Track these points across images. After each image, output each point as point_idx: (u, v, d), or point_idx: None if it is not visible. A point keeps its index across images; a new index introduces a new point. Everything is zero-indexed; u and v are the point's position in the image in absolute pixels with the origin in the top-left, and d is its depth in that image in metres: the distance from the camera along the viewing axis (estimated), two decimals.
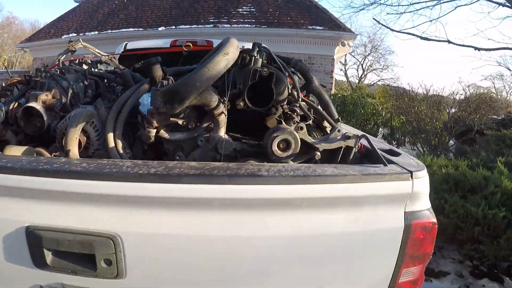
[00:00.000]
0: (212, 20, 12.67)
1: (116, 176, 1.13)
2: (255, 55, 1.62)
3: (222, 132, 1.50)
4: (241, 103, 1.49)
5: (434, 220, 1.28)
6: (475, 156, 5.13)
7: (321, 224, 1.19)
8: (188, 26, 12.57)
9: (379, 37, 28.09)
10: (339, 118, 1.77)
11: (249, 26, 12.16)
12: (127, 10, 14.25)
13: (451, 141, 8.28)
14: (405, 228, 1.22)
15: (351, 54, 24.42)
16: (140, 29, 12.95)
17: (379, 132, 10.48)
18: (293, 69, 1.82)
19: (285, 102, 1.58)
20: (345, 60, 24.85)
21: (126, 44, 3.73)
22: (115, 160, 1.35)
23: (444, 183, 3.79)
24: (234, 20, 12.49)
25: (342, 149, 1.50)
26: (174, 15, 13.36)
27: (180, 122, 1.52)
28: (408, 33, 6.55)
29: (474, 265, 3.43)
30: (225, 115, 1.49)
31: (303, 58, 11.82)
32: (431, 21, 6.47)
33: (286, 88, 1.55)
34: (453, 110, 8.35)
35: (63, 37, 13.69)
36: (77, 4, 16.05)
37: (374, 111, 9.85)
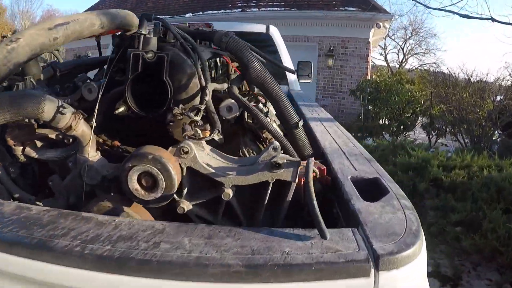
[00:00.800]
0: (239, 5, 12.30)
1: None
2: (144, 32, 1.10)
3: (87, 153, 1.03)
4: (122, 107, 1.02)
5: None
6: None
7: None
8: (216, 11, 12.27)
9: (420, 19, 26.25)
10: (299, 123, 1.20)
11: (278, 9, 11.66)
12: None
13: (496, 133, 7.35)
14: None
15: (391, 38, 23.02)
16: (168, 16, 12.71)
17: (418, 122, 9.64)
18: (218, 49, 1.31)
19: (195, 102, 1.08)
20: (385, 44, 23.46)
21: None
22: None
23: (484, 190, 3.19)
24: (262, 4, 12.03)
25: (271, 184, 0.94)
26: (201, 1, 13.14)
27: (53, 136, 1.09)
28: (446, 11, 5.75)
29: None
30: (88, 128, 1.03)
31: (336, 42, 11.19)
32: None
33: (196, 80, 1.06)
34: (499, 98, 7.40)
35: None
36: None
37: (412, 98, 8.96)
